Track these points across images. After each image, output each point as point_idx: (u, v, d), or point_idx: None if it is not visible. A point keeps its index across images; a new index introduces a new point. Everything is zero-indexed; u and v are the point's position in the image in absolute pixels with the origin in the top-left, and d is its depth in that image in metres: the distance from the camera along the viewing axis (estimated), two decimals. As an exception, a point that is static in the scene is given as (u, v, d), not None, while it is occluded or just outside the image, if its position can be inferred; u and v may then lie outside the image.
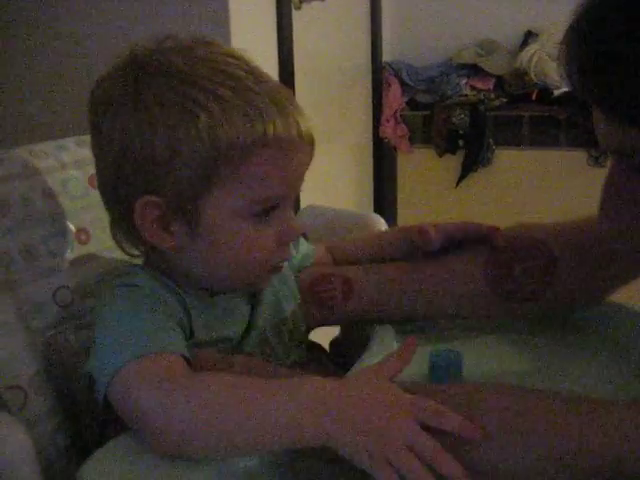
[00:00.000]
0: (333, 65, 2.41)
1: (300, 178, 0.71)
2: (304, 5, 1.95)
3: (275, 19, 1.79)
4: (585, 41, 0.57)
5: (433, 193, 2.81)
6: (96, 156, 0.72)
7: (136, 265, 0.75)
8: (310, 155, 0.71)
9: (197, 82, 0.65)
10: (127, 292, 0.69)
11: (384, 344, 0.79)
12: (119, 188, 0.69)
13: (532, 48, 2.73)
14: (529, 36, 2.86)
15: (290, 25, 1.85)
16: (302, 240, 0.87)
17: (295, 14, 1.88)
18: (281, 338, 0.80)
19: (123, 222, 0.72)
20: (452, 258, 0.84)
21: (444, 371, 0.73)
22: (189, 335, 0.71)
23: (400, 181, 2.88)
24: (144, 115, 0.66)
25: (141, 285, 0.70)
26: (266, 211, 0.69)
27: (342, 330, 0.94)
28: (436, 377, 0.74)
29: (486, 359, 0.81)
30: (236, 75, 0.66)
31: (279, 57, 1.83)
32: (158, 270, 0.73)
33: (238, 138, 0.64)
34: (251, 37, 1.60)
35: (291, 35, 1.85)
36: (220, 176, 0.66)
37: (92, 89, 0.71)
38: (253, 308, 0.78)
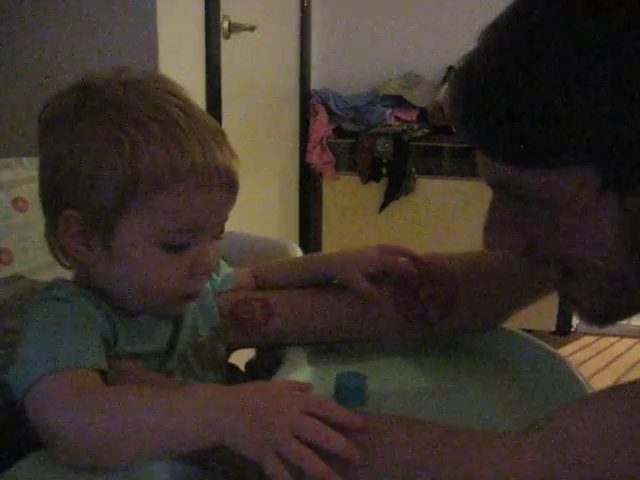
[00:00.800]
0: (261, 92, 2.44)
1: (217, 215, 0.74)
2: (233, 34, 1.98)
3: (204, 47, 1.81)
4: (461, 88, 0.64)
5: (357, 219, 2.87)
6: (39, 173, 0.75)
7: (63, 279, 0.77)
8: (230, 194, 0.74)
9: (130, 113, 0.69)
10: (51, 305, 0.72)
11: (296, 366, 0.83)
12: (49, 201, 0.73)
13: (453, 82, 2.83)
14: (451, 71, 2.97)
15: (218, 53, 1.87)
16: (223, 263, 0.90)
17: (224, 42, 1.91)
18: (199, 359, 0.83)
19: (53, 234, 0.75)
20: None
21: (349, 392, 0.78)
22: (114, 345, 0.74)
23: (325, 206, 2.93)
24: (77, 137, 0.70)
25: (66, 299, 0.72)
26: (180, 244, 0.72)
27: (257, 352, 0.97)
28: (341, 398, 0.78)
29: (390, 379, 0.86)
30: (169, 111, 0.70)
31: (207, 84, 1.85)
32: (85, 285, 0.75)
33: (155, 170, 0.68)
34: (179, 64, 1.62)
35: (219, 63, 1.88)
36: (134, 203, 0.69)
37: (40, 110, 0.74)
38: (175, 328, 0.81)
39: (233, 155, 0.74)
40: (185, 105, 0.72)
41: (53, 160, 0.72)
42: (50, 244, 0.77)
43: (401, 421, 0.62)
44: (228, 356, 0.89)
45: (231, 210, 0.76)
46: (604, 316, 0.70)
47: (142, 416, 0.61)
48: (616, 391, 0.59)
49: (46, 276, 0.89)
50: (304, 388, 0.64)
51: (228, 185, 0.72)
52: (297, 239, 2.91)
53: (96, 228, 0.71)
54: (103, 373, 0.67)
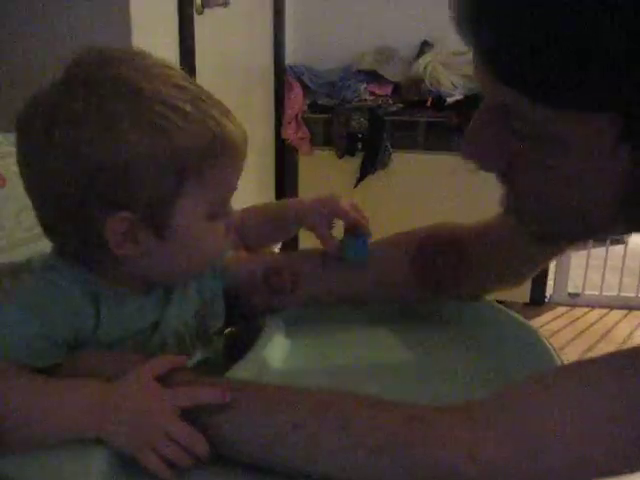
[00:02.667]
0: (236, 68, 2.43)
1: (241, 174, 0.77)
2: (206, 10, 1.97)
3: (177, 23, 1.81)
4: None
5: (333, 193, 2.87)
6: (39, 171, 0.70)
7: (57, 258, 0.76)
8: (247, 152, 0.76)
9: (160, 99, 0.68)
10: (30, 289, 0.72)
11: (273, 339, 0.85)
12: (87, 204, 0.68)
13: (427, 57, 2.85)
14: (425, 46, 2.98)
15: (192, 29, 1.87)
16: None
17: (197, 18, 1.90)
18: (188, 336, 0.84)
19: (77, 235, 0.72)
20: (383, 248, 0.95)
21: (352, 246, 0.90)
22: (92, 333, 0.74)
23: (301, 181, 2.94)
24: (115, 130, 0.66)
25: (52, 281, 0.72)
26: (221, 211, 0.75)
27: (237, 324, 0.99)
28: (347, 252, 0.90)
29: (367, 350, 0.89)
30: (189, 89, 0.71)
31: (181, 61, 1.84)
32: (79, 262, 0.74)
33: (203, 146, 0.69)
34: (153, 41, 1.62)
35: (193, 39, 1.87)
36: (187, 184, 0.70)
37: (27, 105, 0.70)
38: (162, 312, 0.81)
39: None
40: (185, 76, 0.73)
41: (86, 161, 0.67)
42: (63, 254, 0.75)
43: (363, 402, 0.63)
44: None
45: None
46: (544, 237, 0.72)
47: (28, 399, 0.65)
48: (575, 371, 0.60)
49: (22, 251, 0.90)
50: (179, 361, 0.70)
51: (246, 146, 0.75)
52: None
53: (148, 222, 0.70)
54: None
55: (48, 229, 0.74)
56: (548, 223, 0.65)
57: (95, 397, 0.65)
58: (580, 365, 0.60)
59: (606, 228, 0.63)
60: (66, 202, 0.69)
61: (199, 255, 0.76)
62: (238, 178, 0.76)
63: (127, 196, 0.68)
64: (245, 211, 0.97)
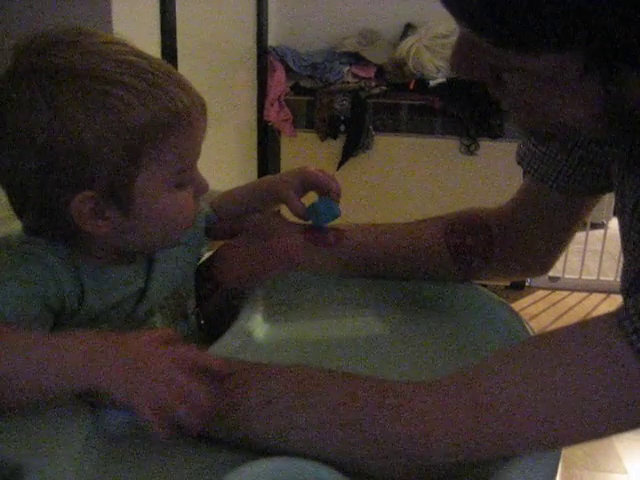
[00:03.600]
0: (218, 49, 2.42)
1: (202, 141, 0.77)
2: (188, -11, 1.96)
3: (159, 5, 1.80)
4: None
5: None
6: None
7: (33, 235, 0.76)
8: (206, 120, 0.77)
9: (105, 77, 0.68)
10: (10, 263, 0.72)
11: (250, 322, 0.85)
12: (46, 186, 0.70)
13: (411, 40, 2.84)
14: (408, 28, 2.98)
15: (173, 11, 1.85)
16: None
17: (179, 0, 1.89)
18: (168, 310, 0.85)
19: (45, 216, 0.72)
20: (418, 226, 0.96)
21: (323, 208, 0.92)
22: (78, 303, 0.75)
23: (283, 164, 2.95)
24: (65, 115, 0.67)
25: (33, 254, 0.72)
26: (187, 178, 0.76)
27: (215, 306, 0.99)
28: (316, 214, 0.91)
29: (346, 331, 0.89)
30: (134, 62, 0.70)
31: (162, 43, 1.83)
32: (56, 238, 0.75)
33: (155, 119, 0.69)
34: (134, 20, 1.61)
35: (174, 21, 1.86)
36: (145, 157, 0.70)
37: None
38: (147, 280, 0.82)
39: (192, 85, 0.77)
40: (135, 51, 0.72)
41: (39, 145, 0.68)
42: (26, 222, 0.76)
43: (336, 378, 0.63)
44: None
45: None
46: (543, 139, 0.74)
47: (17, 358, 0.63)
48: (540, 342, 0.62)
49: (2, 229, 0.89)
50: (174, 339, 0.67)
51: (204, 113, 0.75)
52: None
53: (112, 198, 0.71)
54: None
55: (17, 211, 0.75)
56: (538, 131, 0.67)
57: (92, 344, 0.63)
58: (545, 335, 0.62)
59: (591, 136, 0.65)
60: (27, 188, 0.70)
61: (169, 224, 0.76)
62: (199, 146, 0.76)
63: (86, 176, 0.69)
64: (224, 193, 0.99)
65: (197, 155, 0.76)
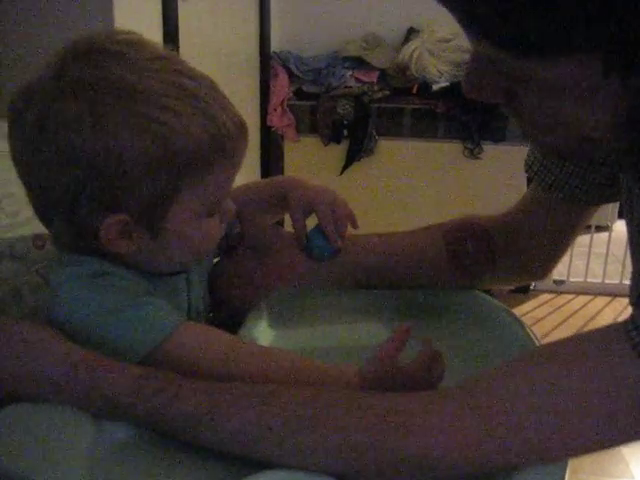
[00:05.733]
0: (221, 55, 2.42)
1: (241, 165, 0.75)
2: (191, -5, 1.96)
3: (161, 10, 1.79)
4: None
5: (318, 181, 2.87)
6: (31, 165, 0.69)
7: (83, 257, 0.74)
8: (247, 141, 0.74)
9: (151, 98, 0.66)
10: (96, 282, 0.71)
11: (254, 328, 0.85)
12: (79, 206, 0.68)
13: (413, 44, 2.85)
14: (411, 32, 2.98)
15: (176, 16, 1.85)
16: None
17: (181, 5, 1.89)
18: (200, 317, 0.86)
19: (73, 233, 0.71)
20: (419, 234, 0.96)
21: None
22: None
23: (286, 169, 2.93)
24: (109, 133, 0.65)
25: (102, 271, 0.71)
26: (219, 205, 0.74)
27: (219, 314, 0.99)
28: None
29: (351, 338, 0.89)
30: (183, 84, 0.68)
31: (164, 45, 1.83)
32: (87, 252, 0.73)
33: (196, 149, 0.67)
34: (136, 28, 1.60)
35: (177, 26, 1.86)
36: (183, 187, 0.68)
37: (14, 100, 0.68)
38: (188, 284, 0.82)
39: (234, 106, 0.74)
40: (182, 67, 0.70)
41: (78, 164, 0.66)
42: (56, 239, 0.75)
43: (335, 398, 0.62)
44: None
45: None
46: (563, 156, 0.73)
47: None
48: (546, 352, 0.61)
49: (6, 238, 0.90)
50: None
51: (246, 136, 0.73)
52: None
53: (144, 222, 0.69)
54: None
55: (42, 220, 0.73)
56: (557, 148, 0.66)
57: None
58: (552, 345, 0.61)
59: (612, 146, 0.62)
60: (58, 201, 0.68)
61: (194, 250, 0.76)
62: (236, 174, 0.74)
63: (120, 199, 0.67)
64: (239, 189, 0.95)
65: (231, 186, 0.75)
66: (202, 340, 0.72)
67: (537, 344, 0.81)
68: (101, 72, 0.66)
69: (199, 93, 0.68)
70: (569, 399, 0.56)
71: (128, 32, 0.72)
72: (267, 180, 0.99)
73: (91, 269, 0.71)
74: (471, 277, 0.94)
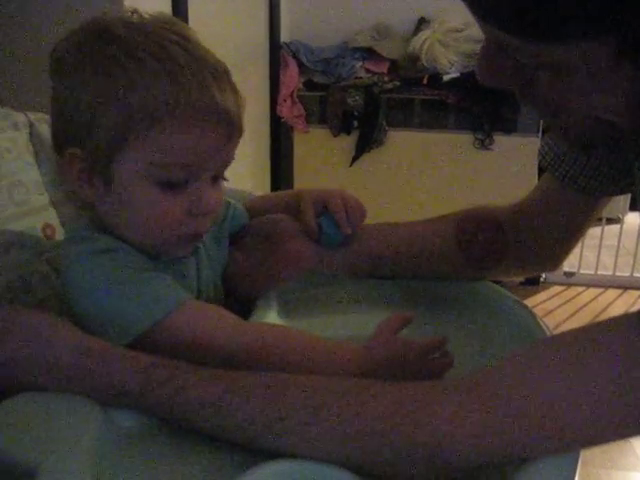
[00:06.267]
0: (230, 44, 2.41)
1: (213, 154, 0.73)
2: (200, -16, 1.95)
3: (170, 1, 1.79)
4: None
5: (328, 172, 2.87)
6: (50, 114, 0.77)
7: (91, 231, 0.77)
8: (228, 133, 0.73)
9: (129, 50, 0.69)
10: (104, 258, 0.73)
11: (264, 318, 0.84)
12: (57, 140, 0.75)
13: (424, 34, 2.83)
14: (422, 22, 2.96)
15: (186, 6, 1.85)
16: (234, 203, 0.93)
17: (191, -7, 1.88)
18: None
19: (62, 172, 0.76)
20: (429, 224, 0.96)
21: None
22: None
23: (296, 160, 2.93)
24: (79, 75, 0.71)
25: (110, 248, 0.74)
26: (175, 181, 0.72)
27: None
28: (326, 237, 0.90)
29: (360, 328, 0.88)
30: (168, 48, 0.70)
31: (174, 35, 1.83)
32: (101, 230, 0.77)
33: (149, 104, 0.68)
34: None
35: (187, 16, 1.86)
36: (130, 138, 0.70)
37: (51, 50, 0.74)
38: (198, 268, 0.83)
39: (236, 96, 0.74)
40: (189, 45, 0.72)
41: (59, 99, 0.73)
42: (63, 183, 0.80)
43: (347, 387, 0.62)
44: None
45: (234, 156, 0.77)
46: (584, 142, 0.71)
47: None
48: (557, 341, 0.61)
49: (15, 227, 0.89)
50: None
51: (226, 124, 0.72)
52: (268, 192, 2.91)
53: (96, 166, 0.72)
54: None
55: None
56: (570, 132, 0.65)
57: None
58: (564, 335, 0.60)
59: (625, 130, 0.62)
60: (52, 138, 0.76)
61: (149, 225, 0.74)
62: (202, 153, 0.72)
63: (78, 134, 0.72)
64: (257, 197, 0.99)
65: (202, 163, 0.73)
66: (208, 316, 0.73)
67: (549, 335, 0.81)
68: (102, 22, 0.72)
69: (179, 61, 0.69)
70: (581, 389, 0.55)
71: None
72: (284, 192, 1.01)
73: (99, 246, 0.74)
74: (482, 268, 0.93)
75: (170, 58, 0.69)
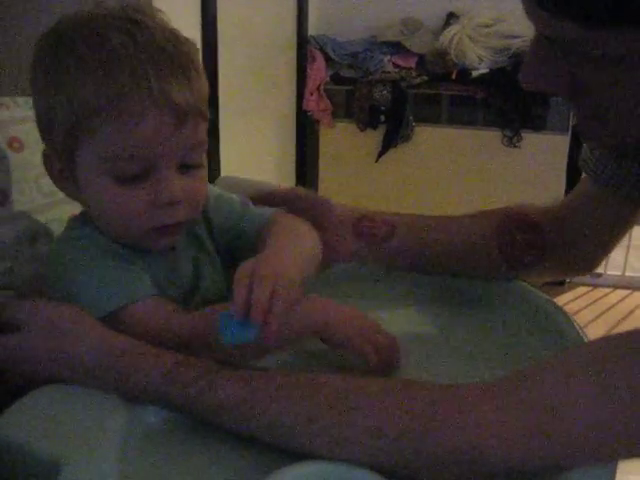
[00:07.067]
0: (258, 38, 2.41)
1: (165, 142, 0.70)
2: (230, -22, 1.95)
3: (200, -8, 1.79)
4: None
5: (354, 167, 2.86)
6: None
7: (78, 221, 0.79)
8: (177, 121, 0.70)
9: (69, 45, 0.69)
10: (80, 244, 0.75)
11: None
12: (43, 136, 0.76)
13: (453, 29, 2.80)
14: (451, 17, 2.93)
15: (214, 0, 1.85)
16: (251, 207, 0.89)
17: (220, -13, 1.88)
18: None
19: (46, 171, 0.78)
20: (467, 221, 0.95)
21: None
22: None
23: (322, 154, 2.91)
24: (36, 80, 0.72)
25: (89, 236, 0.75)
26: (130, 174, 0.71)
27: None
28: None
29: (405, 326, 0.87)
30: (108, 38, 0.69)
31: (203, 31, 1.82)
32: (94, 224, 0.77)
33: (88, 98, 0.68)
34: (175, 11, 1.59)
35: (215, 9, 1.85)
36: (82, 136, 0.70)
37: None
38: (196, 265, 0.82)
39: (188, 80, 0.71)
40: (137, 30, 0.70)
41: (34, 104, 0.74)
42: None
43: (380, 388, 0.61)
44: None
45: (196, 141, 0.73)
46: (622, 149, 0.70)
47: None
48: (597, 346, 0.59)
49: (42, 217, 0.89)
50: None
51: (169, 110, 0.69)
52: (293, 186, 2.90)
53: (64, 162, 0.73)
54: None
55: None
56: (622, 137, 0.64)
57: None
58: (602, 341, 0.59)
59: None
60: None
61: (113, 217, 0.74)
62: (149, 143, 0.69)
63: (45, 133, 0.74)
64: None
65: (148, 151, 0.70)
66: (158, 315, 0.73)
67: (583, 337, 0.79)
68: (65, 21, 0.72)
69: (118, 51, 0.68)
70: (622, 397, 0.53)
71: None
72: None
73: (79, 234, 0.76)
74: (518, 268, 0.92)
75: (107, 49, 0.68)
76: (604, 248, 0.95)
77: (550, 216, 0.93)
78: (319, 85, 2.83)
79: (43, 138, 0.75)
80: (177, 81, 0.70)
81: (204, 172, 0.77)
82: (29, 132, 0.86)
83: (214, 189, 0.86)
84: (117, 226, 0.74)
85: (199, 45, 1.86)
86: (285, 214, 0.86)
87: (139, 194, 0.72)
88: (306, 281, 0.75)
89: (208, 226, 0.84)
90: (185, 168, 0.73)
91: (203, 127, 0.74)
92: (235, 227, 0.85)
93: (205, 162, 0.77)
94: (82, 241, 0.75)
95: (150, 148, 0.70)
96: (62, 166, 0.74)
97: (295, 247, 0.75)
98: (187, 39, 0.75)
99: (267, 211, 0.86)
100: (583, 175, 0.91)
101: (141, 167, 0.71)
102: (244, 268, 0.66)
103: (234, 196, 0.87)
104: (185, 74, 0.71)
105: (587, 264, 0.97)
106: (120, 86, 0.67)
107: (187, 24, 1.75)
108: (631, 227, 0.92)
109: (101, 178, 0.71)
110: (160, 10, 0.75)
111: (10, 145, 0.87)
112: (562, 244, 0.92)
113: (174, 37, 0.73)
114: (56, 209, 0.86)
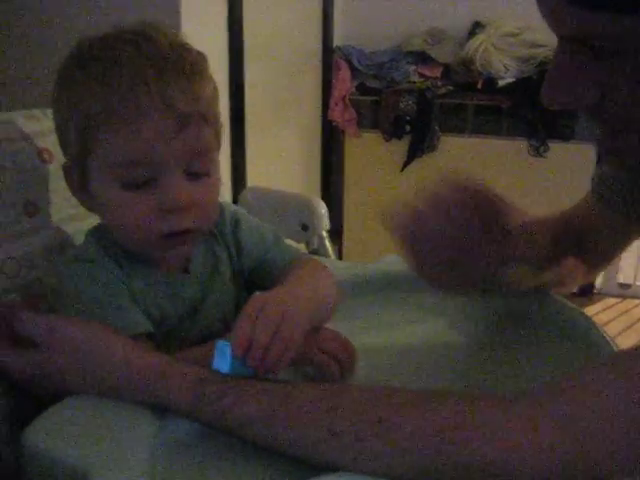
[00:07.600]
0: (284, 48, 2.42)
1: (167, 146, 0.70)
2: (256, -12, 1.96)
3: (226, 3, 1.80)
4: None
5: (379, 177, 2.85)
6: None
7: (93, 237, 0.80)
8: (175, 126, 0.70)
9: (82, 62, 0.72)
10: (83, 268, 0.75)
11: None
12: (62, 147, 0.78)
13: (479, 39, 2.78)
14: (476, 27, 2.92)
15: (240, 9, 1.85)
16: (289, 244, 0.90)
17: (246, -2, 1.89)
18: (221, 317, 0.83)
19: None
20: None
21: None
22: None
23: (347, 164, 2.91)
24: (56, 97, 0.75)
25: (94, 260, 0.76)
26: (137, 180, 0.72)
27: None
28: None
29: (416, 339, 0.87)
30: (114, 48, 0.70)
31: (229, 41, 1.83)
32: (107, 237, 0.78)
33: (93, 108, 0.70)
34: (201, 19, 1.61)
35: (241, 19, 1.86)
36: (91, 145, 0.72)
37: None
38: (203, 287, 0.81)
39: (192, 84, 0.71)
40: (144, 41, 0.71)
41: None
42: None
43: (403, 400, 0.60)
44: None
45: (200, 146, 0.73)
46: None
47: None
48: (630, 356, 0.57)
49: (71, 228, 0.90)
50: None
51: (171, 114, 0.70)
52: (319, 196, 2.90)
53: (80, 176, 0.75)
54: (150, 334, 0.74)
55: None
56: (634, 153, 0.63)
57: None
58: (633, 351, 0.57)
59: None
60: None
61: (123, 224, 0.74)
62: (159, 141, 0.70)
63: (65, 143, 0.76)
64: None
65: (152, 156, 0.70)
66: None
67: (614, 348, 0.78)
68: (85, 40, 0.74)
69: (121, 60, 0.70)
70: None
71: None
72: None
73: (86, 255, 0.77)
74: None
75: (111, 59, 0.70)
76: (602, 264, 0.96)
77: (563, 220, 0.93)
78: (344, 95, 2.83)
79: (63, 151, 0.77)
80: (178, 85, 0.70)
81: (214, 181, 0.77)
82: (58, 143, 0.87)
83: (252, 219, 0.88)
84: (127, 233, 0.75)
85: (225, 57, 1.89)
86: (311, 258, 0.87)
87: (146, 200, 0.72)
88: (316, 325, 0.74)
89: (237, 247, 0.84)
90: (193, 176, 0.74)
91: (208, 132, 0.74)
92: (263, 255, 0.86)
93: (216, 172, 0.77)
94: (87, 266, 0.76)
95: (152, 152, 0.70)
96: (78, 177, 0.75)
97: (309, 290, 0.75)
98: (195, 50, 0.75)
99: (295, 251, 0.88)
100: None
101: (146, 172, 0.71)
102: (254, 301, 0.67)
103: (267, 226, 0.88)
104: (188, 79, 0.71)
105: (598, 266, 0.97)
106: (120, 92, 0.69)
107: (213, 35, 1.77)
108: (633, 241, 0.93)
109: (110, 185, 0.72)
110: (176, 32, 0.77)
111: (40, 156, 0.88)
112: (575, 247, 0.91)
113: (180, 47, 0.73)
114: (85, 221, 0.86)
